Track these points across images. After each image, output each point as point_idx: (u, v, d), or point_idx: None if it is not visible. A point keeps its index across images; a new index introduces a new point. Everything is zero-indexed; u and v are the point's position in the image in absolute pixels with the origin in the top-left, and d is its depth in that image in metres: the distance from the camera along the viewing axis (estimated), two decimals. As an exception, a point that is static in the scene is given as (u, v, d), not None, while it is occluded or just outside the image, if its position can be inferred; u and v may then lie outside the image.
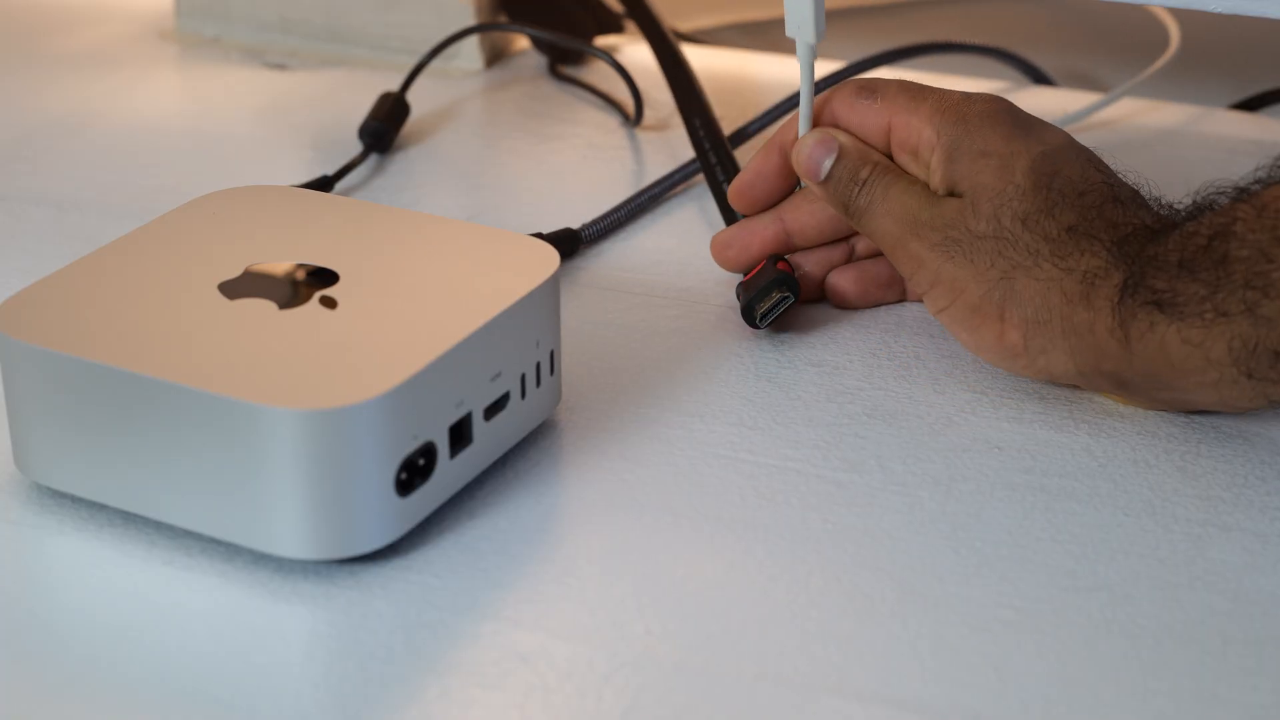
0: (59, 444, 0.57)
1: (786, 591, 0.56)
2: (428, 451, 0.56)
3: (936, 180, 0.65)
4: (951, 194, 0.64)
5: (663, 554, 0.57)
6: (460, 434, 0.58)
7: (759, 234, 0.70)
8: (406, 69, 0.90)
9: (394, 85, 0.88)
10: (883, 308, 0.71)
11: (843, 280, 0.70)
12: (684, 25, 1.04)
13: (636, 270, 0.74)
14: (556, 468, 0.62)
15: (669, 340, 0.69)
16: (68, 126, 0.89)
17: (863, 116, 0.67)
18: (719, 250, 0.71)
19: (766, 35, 1.04)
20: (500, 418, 0.59)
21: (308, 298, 0.59)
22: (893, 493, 0.60)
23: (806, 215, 0.70)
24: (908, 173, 0.66)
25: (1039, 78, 0.94)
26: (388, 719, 0.51)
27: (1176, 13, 0.94)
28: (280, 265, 0.61)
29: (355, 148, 0.85)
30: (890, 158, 0.67)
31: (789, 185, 0.70)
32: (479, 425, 0.58)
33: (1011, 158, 0.63)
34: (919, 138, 0.65)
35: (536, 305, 0.60)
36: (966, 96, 0.66)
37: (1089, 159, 0.64)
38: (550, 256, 0.61)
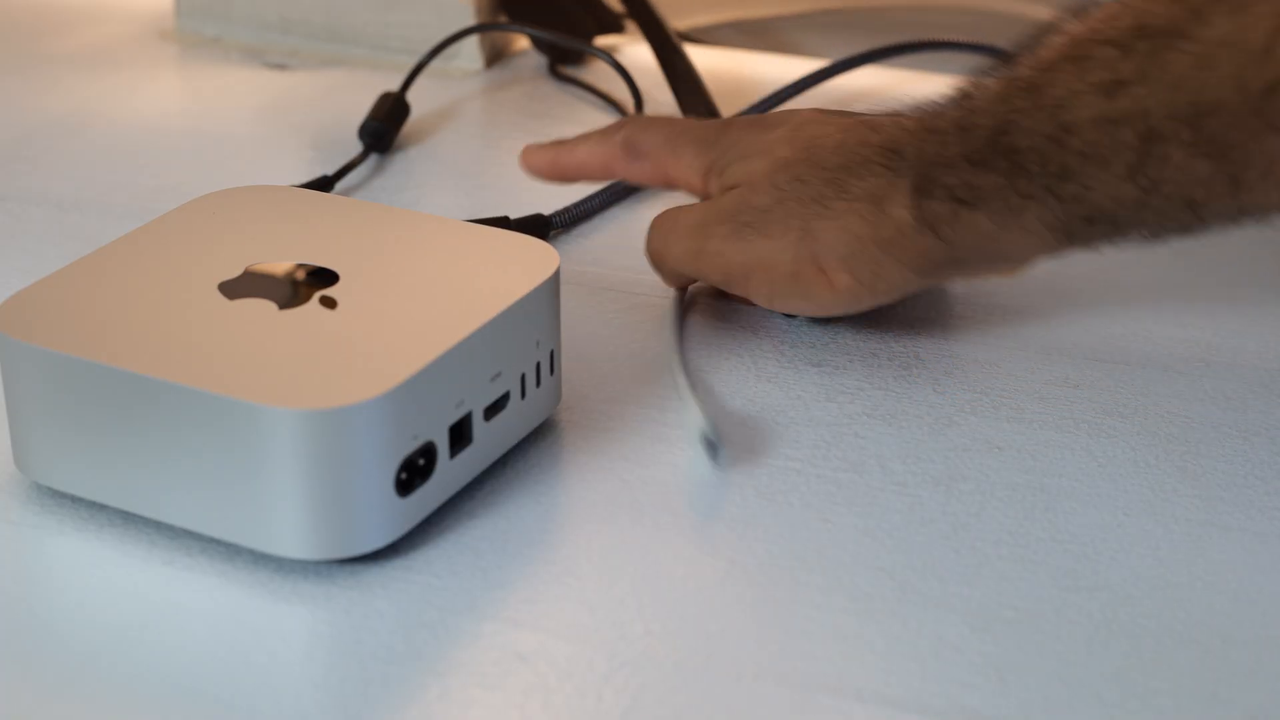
0: (59, 444, 0.57)
1: (786, 591, 0.56)
2: (428, 451, 0.56)
3: (717, 194, 0.67)
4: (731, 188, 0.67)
5: (663, 554, 0.57)
6: (460, 434, 0.58)
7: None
8: (406, 69, 0.90)
9: (394, 85, 0.88)
10: (882, 308, 0.71)
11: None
12: (680, 24, 1.03)
13: (636, 270, 0.74)
14: (556, 468, 0.62)
15: (669, 340, 0.69)
16: (68, 126, 0.89)
17: (639, 175, 0.71)
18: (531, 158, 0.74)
19: (763, 33, 1.04)
20: (500, 418, 0.59)
21: (308, 298, 0.59)
22: (893, 493, 0.60)
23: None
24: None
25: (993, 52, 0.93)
26: (388, 719, 0.51)
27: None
28: (280, 265, 0.61)
29: (355, 148, 0.85)
30: None
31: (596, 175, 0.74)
32: (479, 425, 0.58)
33: (771, 145, 0.66)
34: (691, 182, 0.69)
35: (536, 305, 0.60)
36: (719, 123, 0.70)
37: (839, 113, 0.67)
38: (550, 256, 0.61)
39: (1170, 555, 0.57)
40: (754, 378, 0.67)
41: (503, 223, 0.75)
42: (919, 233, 0.61)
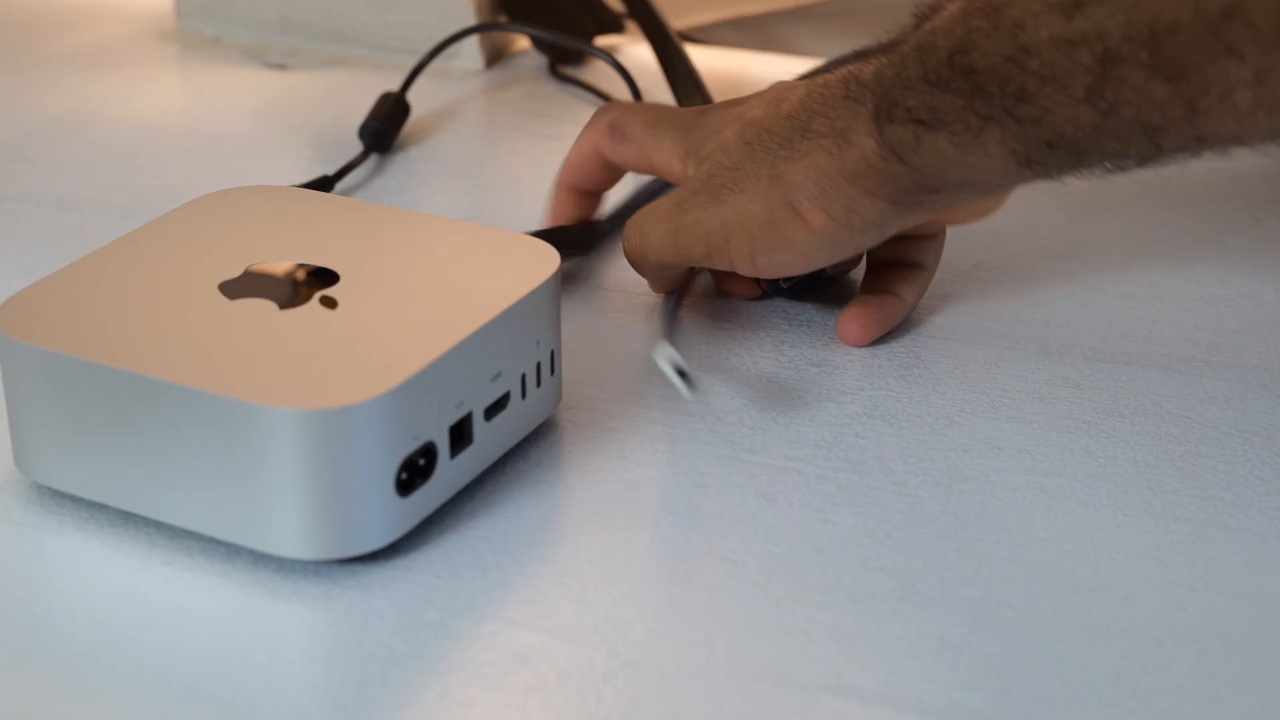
0: (59, 444, 0.57)
1: (786, 591, 0.56)
2: (428, 451, 0.56)
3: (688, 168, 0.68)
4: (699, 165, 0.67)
5: (663, 554, 0.57)
6: (460, 434, 0.58)
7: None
8: (406, 69, 0.90)
9: (394, 85, 0.88)
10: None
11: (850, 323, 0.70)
12: (679, 23, 1.03)
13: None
14: (556, 468, 0.62)
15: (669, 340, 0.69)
16: (68, 126, 0.89)
17: (624, 157, 0.71)
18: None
19: (761, 31, 1.04)
20: (500, 418, 0.59)
21: (308, 298, 0.59)
22: (893, 493, 0.60)
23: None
24: None
25: None
26: (387, 719, 0.51)
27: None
28: (280, 265, 0.61)
29: (355, 148, 0.85)
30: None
31: (593, 206, 0.75)
32: (479, 425, 0.58)
33: (741, 112, 0.67)
34: (670, 166, 0.69)
35: (536, 305, 0.60)
36: (695, 109, 0.70)
37: (803, 79, 0.68)
38: (550, 256, 0.61)
39: (1170, 555, 0.57)
40: (754, 378, 0.67)
41: (558, 234, 0.73)
42: (884, 160, 0.61)
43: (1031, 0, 0.56)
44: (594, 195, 0.75)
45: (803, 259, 0.65)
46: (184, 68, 0.97)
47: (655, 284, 0.71)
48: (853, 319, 0.69)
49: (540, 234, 0.72)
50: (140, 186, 0.82)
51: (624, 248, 0.69)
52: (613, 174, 0.73)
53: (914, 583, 0.56)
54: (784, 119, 0.64)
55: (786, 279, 0.70)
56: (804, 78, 0.69)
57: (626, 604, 0.55)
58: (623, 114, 0.71)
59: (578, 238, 0.74)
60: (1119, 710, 0.51)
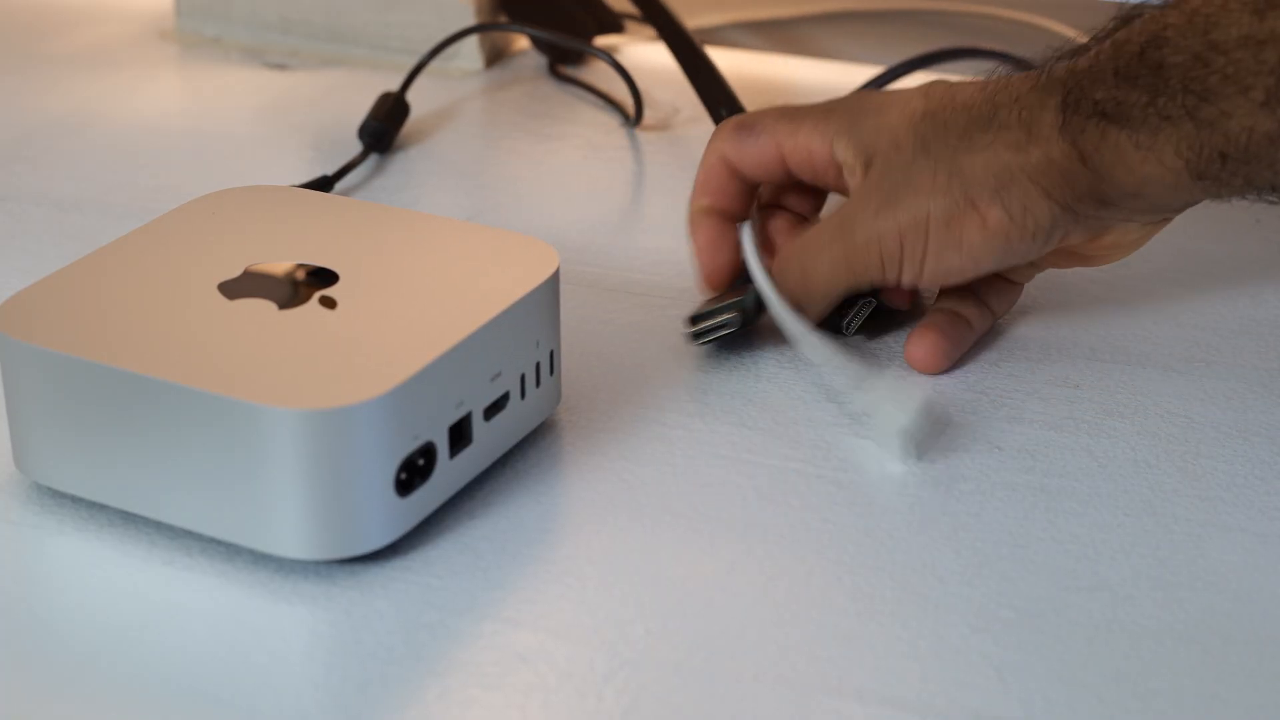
0: (59, 444, 0.57)
1: (786, 591, 0.56)
2: (428, 451, 0.56)
3: (849, 159, 0.65)
4: (868, 168, 0.65)
5: (663, 554, 0.57)
6: (460, 434, 0.58)
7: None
8: (406, 69, 0.90)
9: (394, 85, 0.88)
10: (884, 311, 0.71)
11: (919, 349, 0.67)
12: (688, 24, 1.03)
13: (636, 270, 0.74)
14: (556, 468, 0.62)
15: (669, 340, 0.69)
16: (68, 126, 0.89)
17: (752, 154, 0.67)
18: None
19: (771, 34, 1.04)
20: (500, 418, 0.59)
21: (308, 298, 0.59)
22: (893, 493, 0.60)
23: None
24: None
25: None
26: (387, 719, 0.51)
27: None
28: (280, 265, 0.61)
29: (355, 148, 0.85)
30: (790, 188, 0.69)
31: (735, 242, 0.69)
32: (479, 425, 0.58)
33: (904, 102, 0.65)
34: (810, 153, 0.66)
35: (536, 305, 0.60)
36: (834, 100, 0.67)
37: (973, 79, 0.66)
38: (550, 256, 0.61)
39: (1170, 555, 0.57)
40: (754, 378, 0.67)
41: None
42: (1066, 158, 0.60)
43: None
44: (734, 218, 0.69)
45: (971, 262, 0.63)
46: (184, 68, 0.97)
47: (814, 314, 0.67)
48: (921, 344, 0.67)
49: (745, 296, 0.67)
50: (140, 186, 0.82)
51: (782, 288, 0.66)
52: (745, 187, 0.69)
53: (914, 583, 0.56)
54: (961, 109, 0.63)
55: (848, 325, 0.68)
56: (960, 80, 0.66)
57: (626, 604, 0.55)
58: (749, 114, 0.69)
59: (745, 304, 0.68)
60: (1119, 710, 0.51)
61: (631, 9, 1.00)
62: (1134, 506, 0.59)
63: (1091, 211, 0.62)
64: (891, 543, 0.58)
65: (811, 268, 0.65)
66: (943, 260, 0.63)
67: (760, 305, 0.67)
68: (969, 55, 0.90)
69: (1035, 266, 0.68)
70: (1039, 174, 0.61)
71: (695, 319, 0.67)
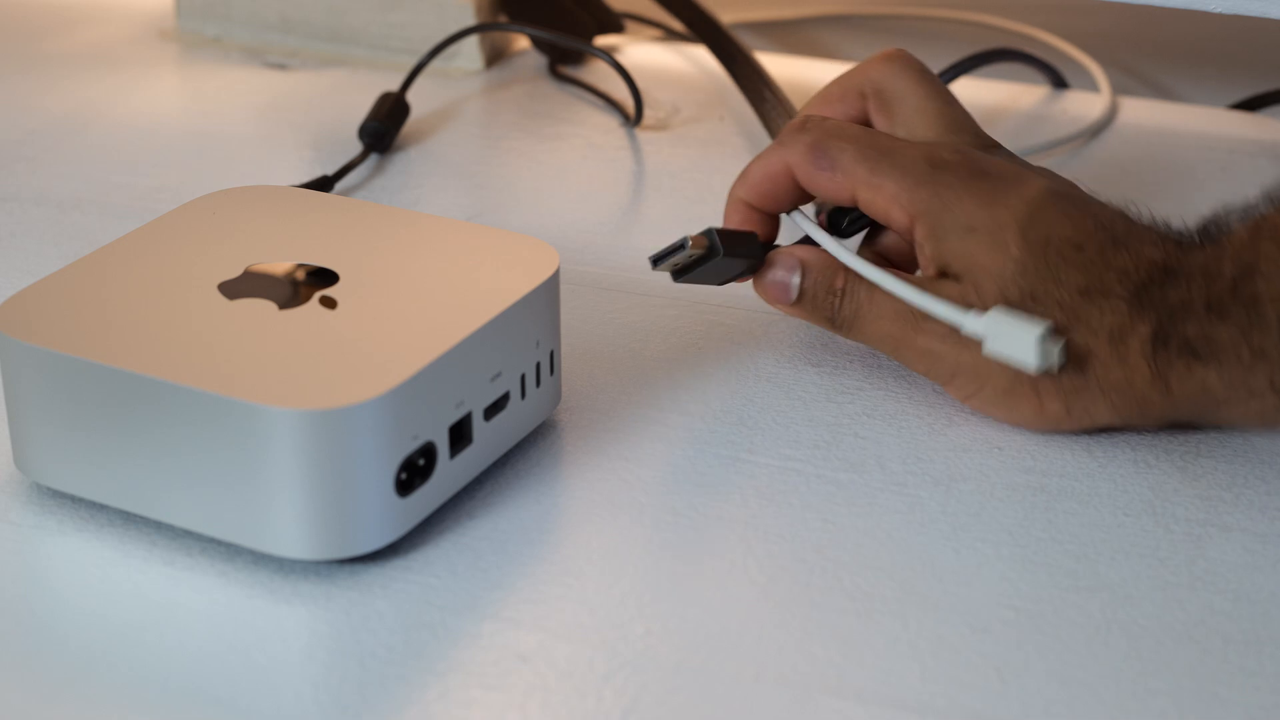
0: (59, 444, 0.57)
1: (786, 591, 0.56)
2: (428, 451, 0.56)
3: (925, 260, 0.62)
4: (944, 274, 0.62)
5: (663, 554, 0.57)
6: (460, 434, 0.58)
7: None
8: (406, 69, 0.90)
9: (394, 85, 0.88)
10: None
11: None
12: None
13: (636, 270, 0.74)
14: (556, 468, 0.62)
15: (669, 340, 0.69)
16: (68, 126, 0.89)
17: (824, 187, 0.63)
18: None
19: (780, 34, 1.04)
20: (500, 418, 0.59)
21: (308, 298, 0.59)
22: (893, 493, 0.60)
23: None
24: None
25: (1057, 81, 0.93)
26: (387, 719, 0.51)
27: (1178, 13, 0.94)
28: (280, 265, 0.61)
29: (355, 148, 0.85)
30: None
31: (771, 230, 0.66)
32: (479, 425, 0.58)
33: (999, 230, 0.60)
34: (888, 216, 0.62)
35: (536, 305, 0.60)
36: (930, 163, 0.62)
37: (1072, 202, 0.62)
38: (550, 256, 0.61)
39: (1170, 555, 0.57)
40: (754, 378, 0.67)
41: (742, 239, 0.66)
42: (1149, 386, 0.60)
43: None
44: (772, 217, 0.66)
45: (1015, 424, 0.63)
46: (184, 68, 0.97)
47: (838, 334, 0.65)
48: None
49: (725, 233, 0.65)
50: (140, 186, 0.82)
51: (824, 307, 0.64)
52: (800, 198, 0.65)
53: (914, 583, 0.56)
54: (1056, 286, 0.60)
55: (661, 260, 0.64)
56: (1059, 194, 0.62)
57: (626, 604, 0.55)
58: (830, 136, 0.63)
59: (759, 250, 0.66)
60: (1119, 710, 0.51)
61: (631, 9, 1.00)
62: (1134, 506, 0.59)
63: (1152, 427, 0.62)
64: (891, 543, 0.58)
65: (866, 321, 0.63)
66: (987, 409, 0.63)
67: (731, 244, 0.64)
68: (1004, 58, 0.90)
69: None
70: (1113, 389, 0.60)
71: (655, 259, 0.64)
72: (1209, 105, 0.92)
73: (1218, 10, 0.76)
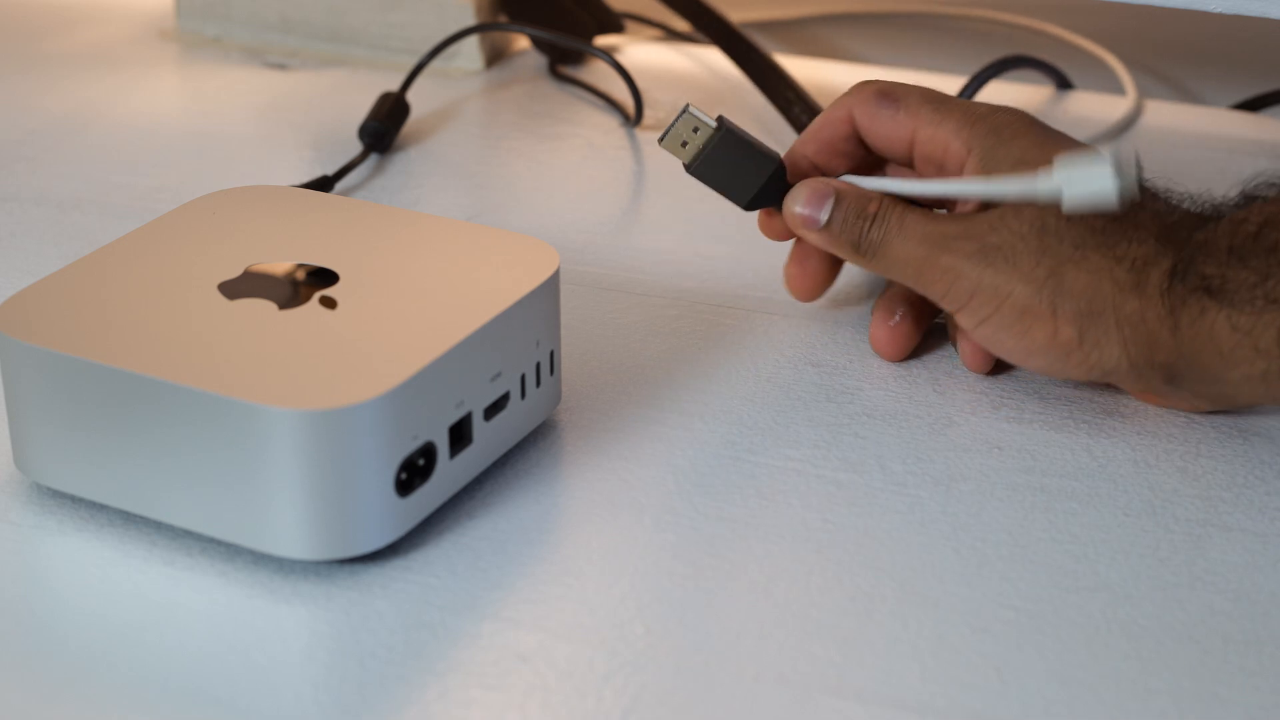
0: (59, 444, 0.57)
1: (786, 591, 0.56)
2: (428, 451, 0.56)
3: (975, 172, 0.63)
4: (984, 207, 0.63)
5: (663, 554, 0.57)
6: (460, 434, 0.58)
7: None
8: (406, 69, 0.90)
9: (394, 85, 0.88)
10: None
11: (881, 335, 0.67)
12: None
13: (636, 270, 0.74)
14: (556, 468, 0.62)
15: (669, 340, 0.69)
16: (68, 126, 0.89)
17: (885, 127, 0.65)
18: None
19: (785, 34, 1.04)
20: (500, 418, 0.59)
21: (308, 298, 0.59)
22: (893, 493, 0.60)
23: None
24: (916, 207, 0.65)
25: (1062, 82, 0.93)
26: (387, 719, 0.51)
27: (1179, 13, 0.94)
28: (280, 265, 0.61)
29: (355, 148, 0.85)
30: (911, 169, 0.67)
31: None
32: (479, 425, 0.58)
33: (1042, 157, 0.62)
34: (945, 150, 0.64)
35: (536, 305, 0.60)
36: (992, 109, 0.65)
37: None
38: (550, 256, 0.61)
39: (1170, 555, 0.57)
40: (753, 377, 0.67)
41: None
42: (1159, 321, 0.60)
43: None
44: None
45: (1022, 354, 0.62)
46: (184, 68, 0.97)
47: (866, 269, 0.65)
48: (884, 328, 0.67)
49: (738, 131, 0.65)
50: (140, 186, 0.82)
51: (863, 235, 0.64)
52: (855, 152, 0.67)
53: (914, 583, 0.56)
54: (1093, 217, 0.61)
55: (669, 136, 0.65)
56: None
57: (626, 604, 0.55)
58: (895, 85, 0.66)
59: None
60: (1119, 710, 0.51)
61: (631, 9, 1.00)
62: (1134, 506, 0.59)
63: (1157, 382, 0.62)
64: (891, 543, 0.58)
65: (893, 245, 0.64)
66: (999, 335, 0.62)
67: (739, 137, 0.64)
68: (1013, 66, 0.90)
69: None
70: (1126, 322, 0.60)
71: (662, 135, 0.65)
72: (1210, 105, 0.92)
73: (1218, 10, 0.76)
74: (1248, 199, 0.61)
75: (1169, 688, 0.52)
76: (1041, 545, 0.57)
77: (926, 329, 0.68)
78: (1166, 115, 0.90)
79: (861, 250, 0.64)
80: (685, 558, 0.57)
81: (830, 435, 0.63)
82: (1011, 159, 0.62)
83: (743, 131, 0.66)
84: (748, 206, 0.66)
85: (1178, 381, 0.61)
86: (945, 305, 0.64)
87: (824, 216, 0.65)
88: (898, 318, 0.67)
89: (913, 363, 0.67)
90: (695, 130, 0.65)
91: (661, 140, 0.65)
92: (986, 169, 0.63)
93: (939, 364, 0.67)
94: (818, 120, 0.67)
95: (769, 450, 0.62)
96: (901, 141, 0.65)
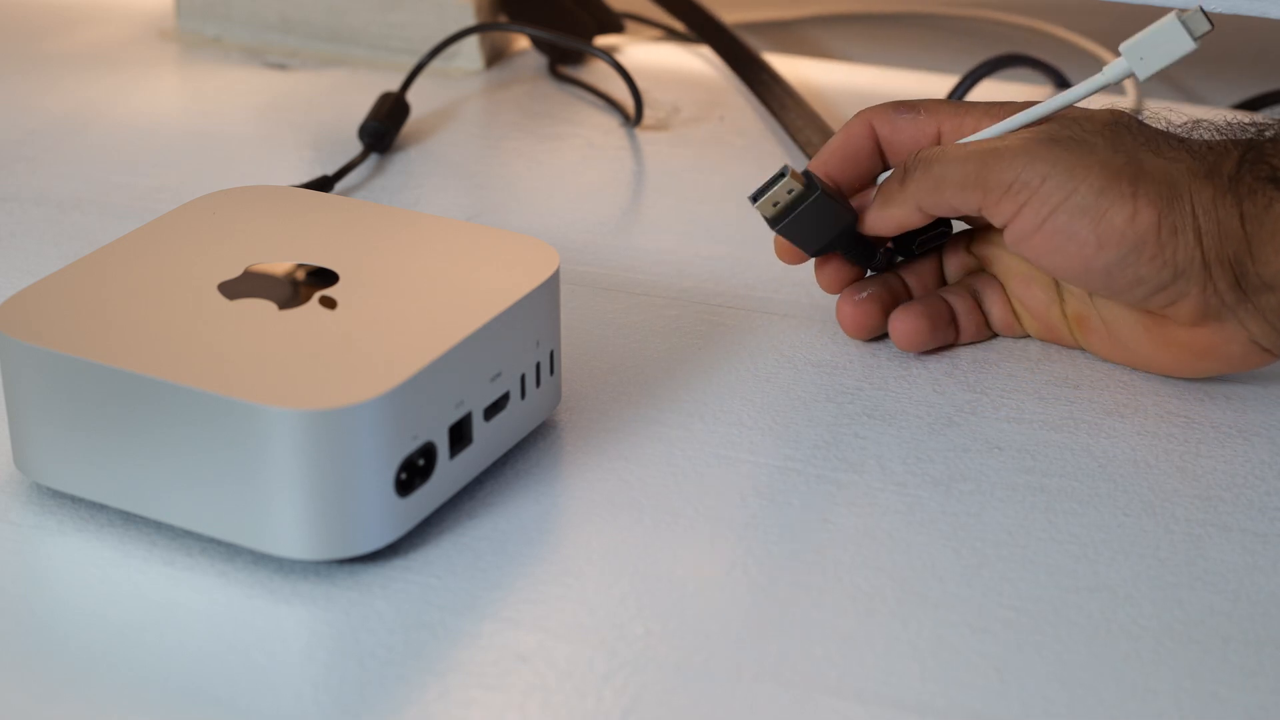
0: (59, 444, 0.57)
1: (786, 591, 0.56)
2: (428, 451, 0.56)
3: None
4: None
5: (663, 554, 0.57)
6: (460, 434, 0.58)
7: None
8: (406, 69, 0.90)
9: (394, 85, 0.88)
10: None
11: (904, 322, 0.67)
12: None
13: (636, 270, 0.74)
14: (556, 468, 0.62)
15: (669, 340, 0.69)
16: (68, 126, 0.89)
17: (909, 133, 0.65)
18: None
19: (779, 35, 1.04)
20: (500, 418, 0.59)
21: (308, 298, 0.59)
22: (893, 493, 0.60)
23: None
24: None
25: (1061, 82, 0.93)
26: (387, 719, 0.51)
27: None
28: (280, 265, 0.61)
29: (355, 148, 0.85)
30: None
31: (874, 168, 0.67)
32: (479, 425, 0.58)
33: (1084, 137, 0.62)
34: (981, 127, 0.64)
35: (536, 305, 0.60)
36: (1013, 102, 0.65)
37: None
38: (550, 256, 0.61)
39: (1170, 555, 0.57)
40: (753, 377, 0.67)
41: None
42: (1229, 210, 0.59)
43: None
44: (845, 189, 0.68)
45: (1095, 244, 0.60)
46: (184, 68, 0.97)
47: (915, 221, 0.65)
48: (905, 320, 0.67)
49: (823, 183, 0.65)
50: (140, 186, 0.82)
51: (907, 187, 0.64)
52: (874, 166, 0.67)
53: (914, 583, 0.56)
54: (1159, 121, 0.62)
55: (761, 195, 0.65)
56: None
57: (626, 604, 0.55)
58: (907, 100, 0.66)
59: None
60: (1119, 710, 0.51)
61: (631, 9, 1.00)
62: (1134, 506, 0.59)
63: (1223, 285, 0.60)
64: (891, 543, 0.58)
65: (944, 173, 0.62)
66: (1073, 223, 0.60)
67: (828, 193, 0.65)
68: (1011, 64, 0.90)
69: (1113, 354, 0.66)
70: (1202, 209, 0.60)
71: (755, 195, 0.65)
72: (1210, 105, 0.92)
73: (1218, 10, 0.76)
74: None
75: (1169, 688, 0.52)
76: (1041, 545, 0.57)
77: (891, 309, 0.67)
78: (1166, 115, 0.90)
79: (909, 168, 0.63)
80: (685, 558, 0.57)
81: (830, 435, 0.63)
82: (1047, 139, 0.62)
83: (826, 186, 0.66)
84: (814, 254, 0.67)
85: (1245, 285, 0.60)
86: (1007, 202, 0.61)
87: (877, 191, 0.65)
88: (865, 295, 0.67)
89: (913, 363, 0.67)
90: (790, 191, 0.65)
91: (755, 201, 0.65)
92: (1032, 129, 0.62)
93: (939, 364, 0.67)
94: (837, 136, 0.67)
95: (769, 450, 0.62)
96: (929, 140, 0.65)
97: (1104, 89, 0.62)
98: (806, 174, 0.65)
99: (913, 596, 0.55)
